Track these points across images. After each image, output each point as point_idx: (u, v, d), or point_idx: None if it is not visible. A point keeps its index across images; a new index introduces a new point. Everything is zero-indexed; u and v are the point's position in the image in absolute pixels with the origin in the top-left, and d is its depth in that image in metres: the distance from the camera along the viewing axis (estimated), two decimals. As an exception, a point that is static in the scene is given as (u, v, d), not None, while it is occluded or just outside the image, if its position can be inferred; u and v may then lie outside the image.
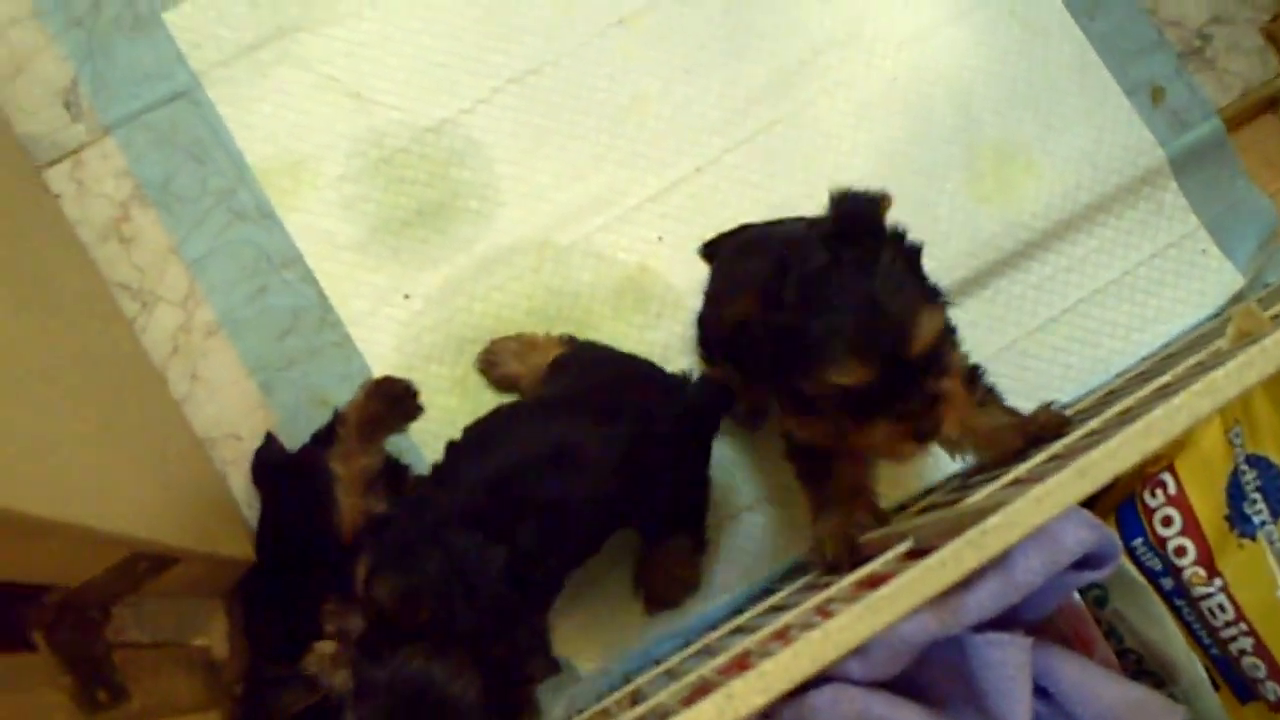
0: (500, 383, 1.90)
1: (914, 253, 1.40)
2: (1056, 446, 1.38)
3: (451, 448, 1.60)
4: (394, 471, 1.75)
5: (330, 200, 1.96)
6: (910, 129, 2.01)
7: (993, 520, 1.00)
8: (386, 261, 1.95)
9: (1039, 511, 1.00)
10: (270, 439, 1.85)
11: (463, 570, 1.39)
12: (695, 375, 1.74)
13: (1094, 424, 1.39)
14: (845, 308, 1.31)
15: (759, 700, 0.98)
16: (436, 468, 1.59)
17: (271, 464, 1.84)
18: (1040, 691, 1.33)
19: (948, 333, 1.43)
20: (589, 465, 1.52)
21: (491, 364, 1.89)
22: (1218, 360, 1.25)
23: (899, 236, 1.38)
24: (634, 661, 1.81)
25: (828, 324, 1.31)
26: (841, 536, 1.57)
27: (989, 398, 1.56)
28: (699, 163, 2.00)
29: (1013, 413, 1.56)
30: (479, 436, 1.61)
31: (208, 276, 1.93)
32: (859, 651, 1.31)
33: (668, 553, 1.81)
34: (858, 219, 1.36)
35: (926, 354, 1.32)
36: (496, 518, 1.45)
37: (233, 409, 1.90)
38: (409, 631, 1.31)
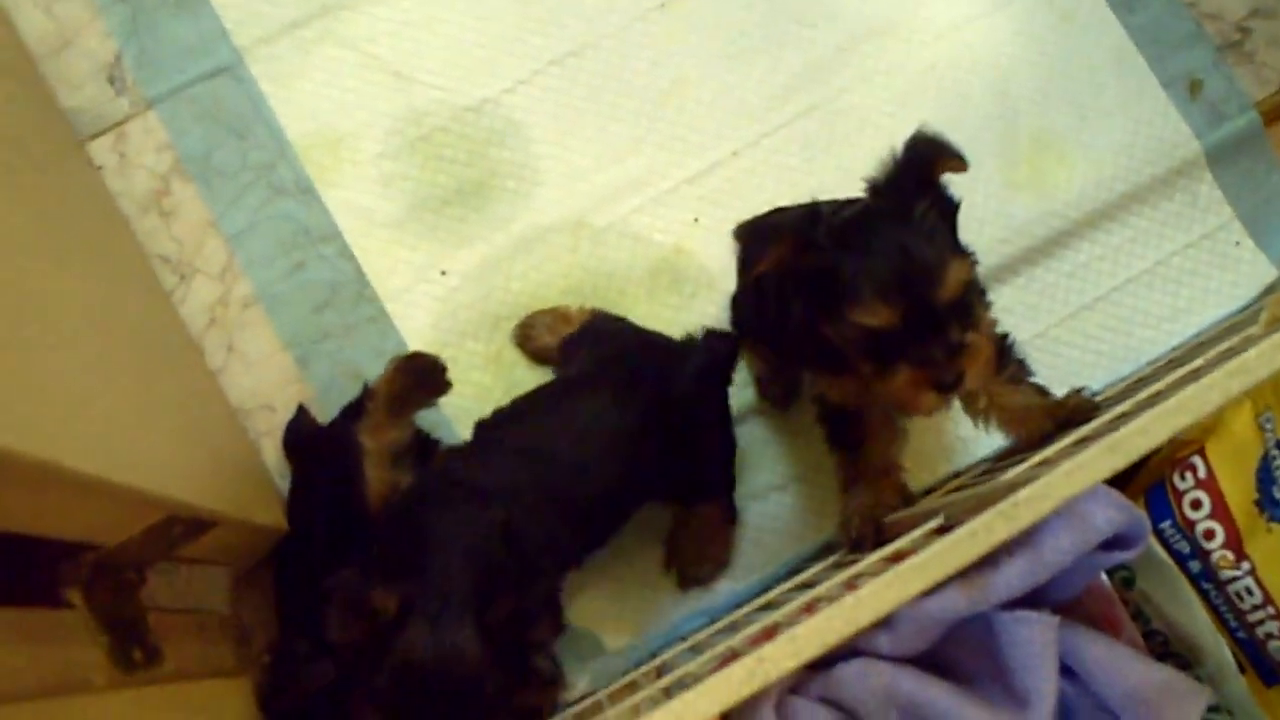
0: (535, 355, 1.92)
1: (951, 207, 1.44)
2: (1085, 429, 1.39)
3: (480, 427, 1.62)
4: (424, 445, 1.76)
5: (369, 177, 1.98)
6: (946, 116, 2.01)
7: (1024, 493, 1.01)
8: (424, 239, 1.97)
9: (1070, 484, 1.01)
10: (301, 411, 1.87)
11: (458, 535, 1.42)
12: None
13: (1124, 407, 1.40)
14: (877, 251, 1.33)
15: (789, 664, 1.00)
16: (463, 445, 1.61)
17: (303, 436, 1.86)
18: (1066, 671, 1.34)
19: (976, 292, 1.44)
20: (611, 437, 1.54)
21: (527, 337, 1.91)
22: (1249, 344, 1.25)
23: (938, 190, 1.42)
24: (661, 639, 1.82)
25: (858, 265, 1.33)
26: (867, 514, 1.59)
27: (1020, 374, 1.57)
28: (736, 147, 2.01)
29: (1044, 394, 1.57)
30: (507, 415, 1.63)
31: (246, 250, 1.95)
32: (888, 626, 1.33)
33: (698, 526, 1.83)
34: (917, 162, 1.39)
35: (953, 304, 1.34)
36: (521, 492, 1.48)
37: (268, 381, 1.92)
38: (394, 621, 1.32)
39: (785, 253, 1.40)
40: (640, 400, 1.57)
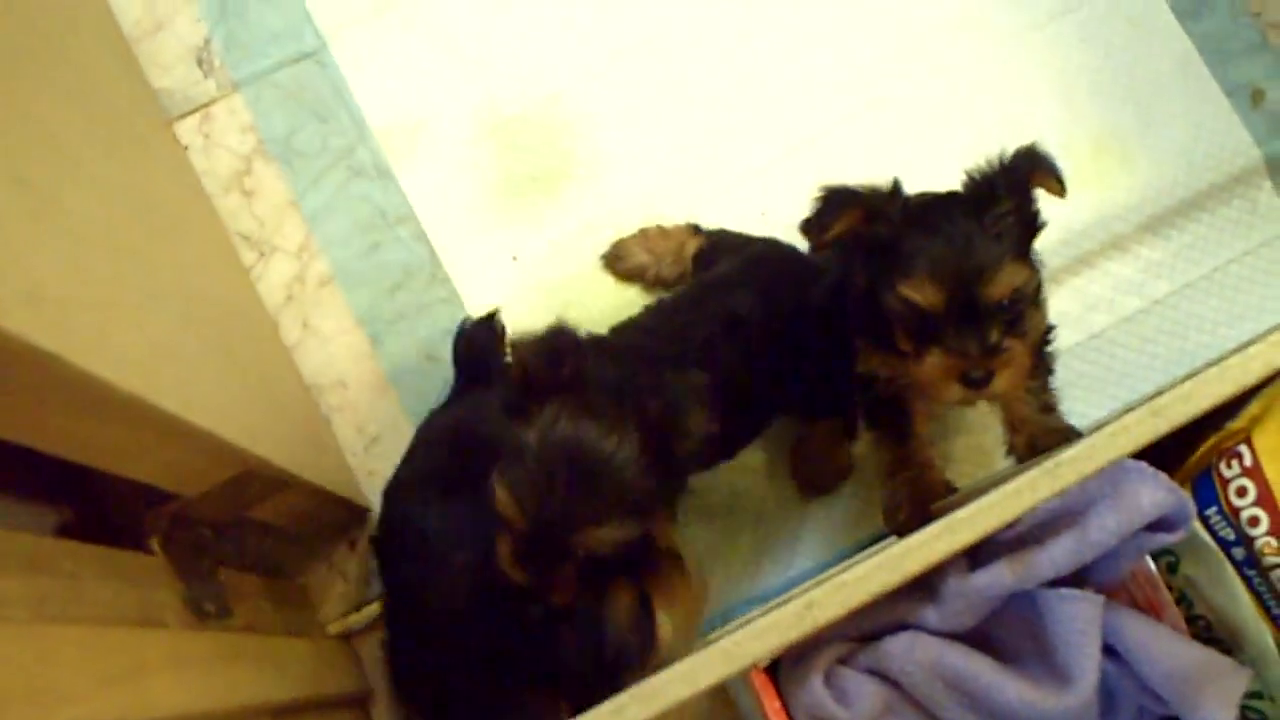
0: (627, 274, 1.98)
1: (1035, 221, 1.50)
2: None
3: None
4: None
5: (446, 162, 2.03)
6: (1011, 115, 2.04)
7: (1068, 453, 1.04)
8: (497, 224, 2.02)
9: (1113, 446, 1.03)
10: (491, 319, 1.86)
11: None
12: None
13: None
14: (941, 234, 1.38)
15: (837, 610, 1.03)
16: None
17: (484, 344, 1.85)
18: (1108, 651, 1.37)
19: (1033, 302, 1.48)
20: (757, 332, 1.58)
21: (617, 259, 1.97)
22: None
23: (1028, 201, 1.48)
24: (714, 621, 1.85)
25: (919, 243, 1.38)
26: (913, 498, 1.62)
27: (1040, 387, 1.60)
28: (804, 139, 2.04)
29: (1050, 411, 1.61)
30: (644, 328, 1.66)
31: (323, 230, 2.01)
32: (936, 602, 1.36)
33: (821, 440, 1.88)
34: (1015, 170, 1.46)
35: (1002, 305, 1.38)
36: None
37: (341, 358, 1.97)
38: (553, 387, 1.34)
39: (856, 221, 1.45)
40: (782, 304, 1.62)
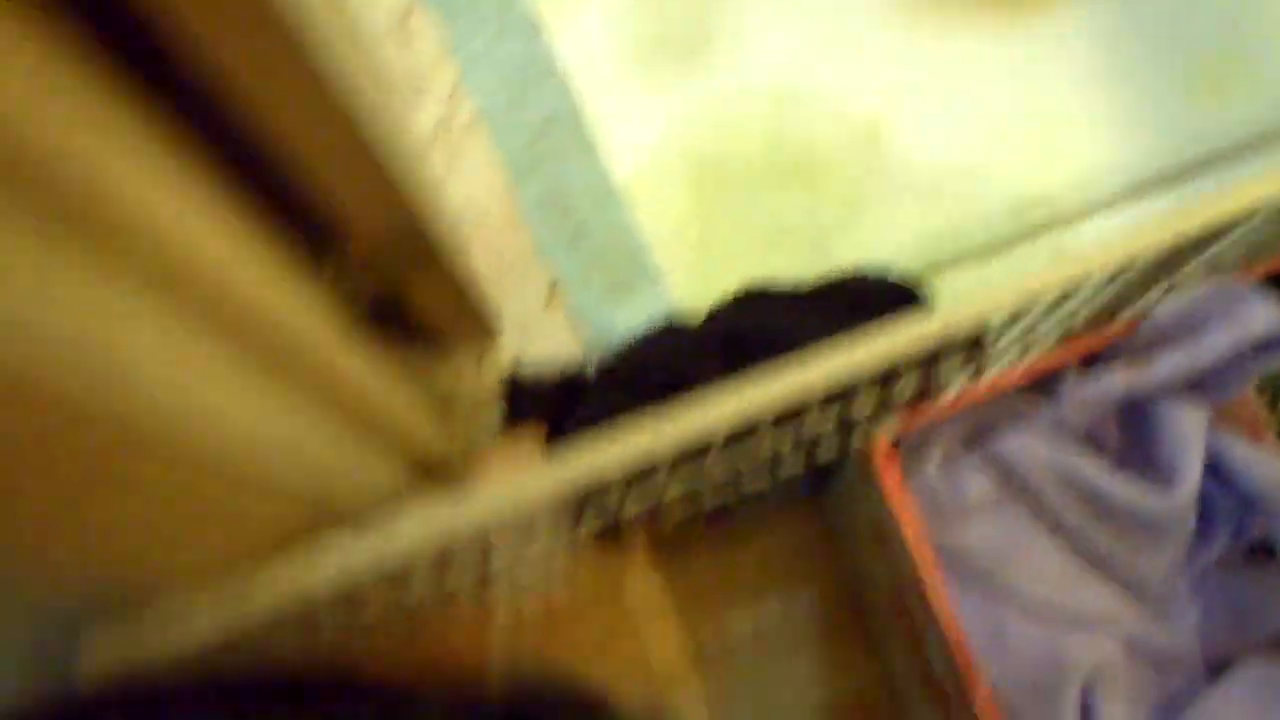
0: None
1: None
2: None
3: None
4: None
5: (594, 21, 2.10)
6: (1134, 26, 2.08)
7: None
8: (643, 85, 2.07)
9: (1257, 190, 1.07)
10: None
11: None
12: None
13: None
14: None
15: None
16: None
17: None
18: (1209, 470, 1.44)
19: None
20: None
21: None
22: None
23: None
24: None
25: None
26: None
27: None
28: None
29: None
30: None
31: (474, 78, 2.07)
32: (1052, 400, 1.44)
33: None
34: None
35: None
36: None
37: (481, 195, 2.03)
38: None
39: None
40: None
